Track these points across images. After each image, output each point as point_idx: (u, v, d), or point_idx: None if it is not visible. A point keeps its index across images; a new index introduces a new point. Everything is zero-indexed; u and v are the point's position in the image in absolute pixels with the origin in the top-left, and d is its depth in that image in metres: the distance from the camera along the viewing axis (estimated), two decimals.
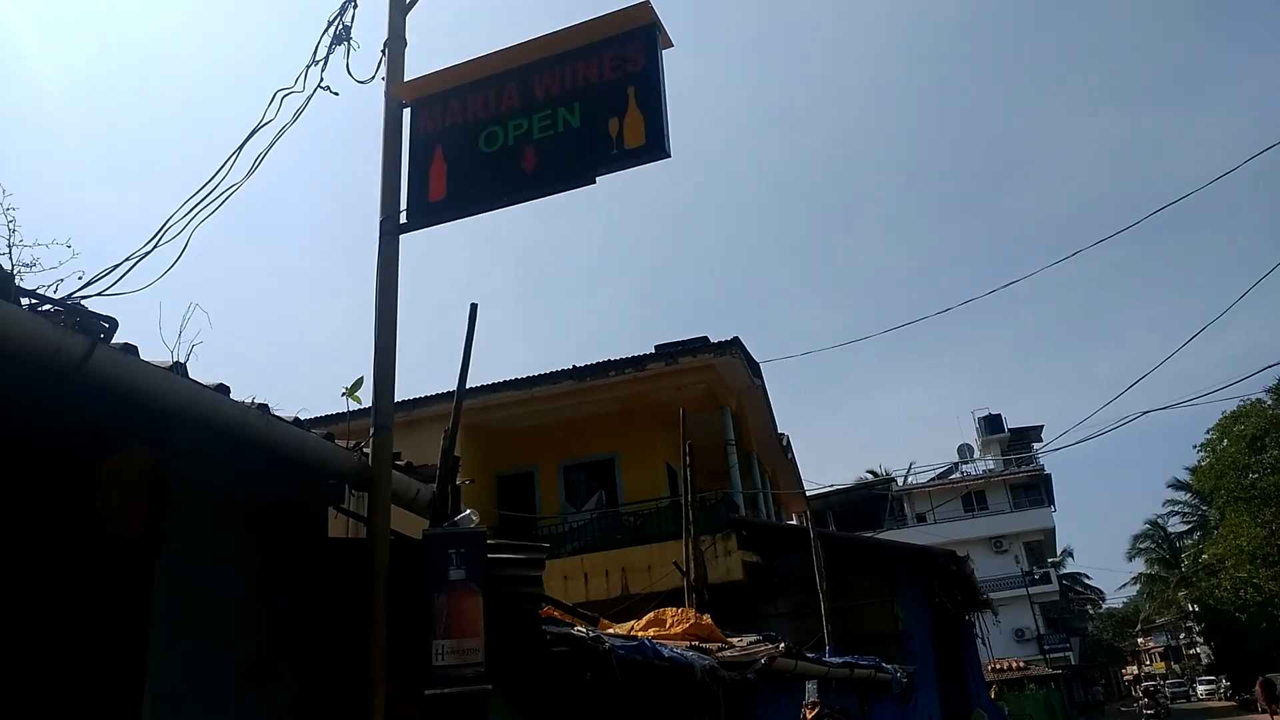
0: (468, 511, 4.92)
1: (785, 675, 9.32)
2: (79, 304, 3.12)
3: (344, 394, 4.90)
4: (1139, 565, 54.88)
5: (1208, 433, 42.65)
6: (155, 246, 4.76)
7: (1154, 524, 53.53)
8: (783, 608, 16.31)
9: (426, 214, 4.97)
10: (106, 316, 3.20)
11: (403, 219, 5.02)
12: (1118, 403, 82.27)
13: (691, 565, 11.63)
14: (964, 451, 53.79)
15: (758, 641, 9.67)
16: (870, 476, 55.01)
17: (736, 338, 18.49)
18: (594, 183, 4.70)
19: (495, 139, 4.91)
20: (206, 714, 3.74)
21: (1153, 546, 53.66)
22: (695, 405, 17.50)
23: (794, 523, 26.45)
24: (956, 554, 15.69)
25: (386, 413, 4.69)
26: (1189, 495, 49.72)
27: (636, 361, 18.88)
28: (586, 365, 19.07)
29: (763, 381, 20.98)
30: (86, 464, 3.70)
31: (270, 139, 5.15)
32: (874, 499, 47.41)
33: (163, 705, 3.48)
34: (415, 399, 17.24)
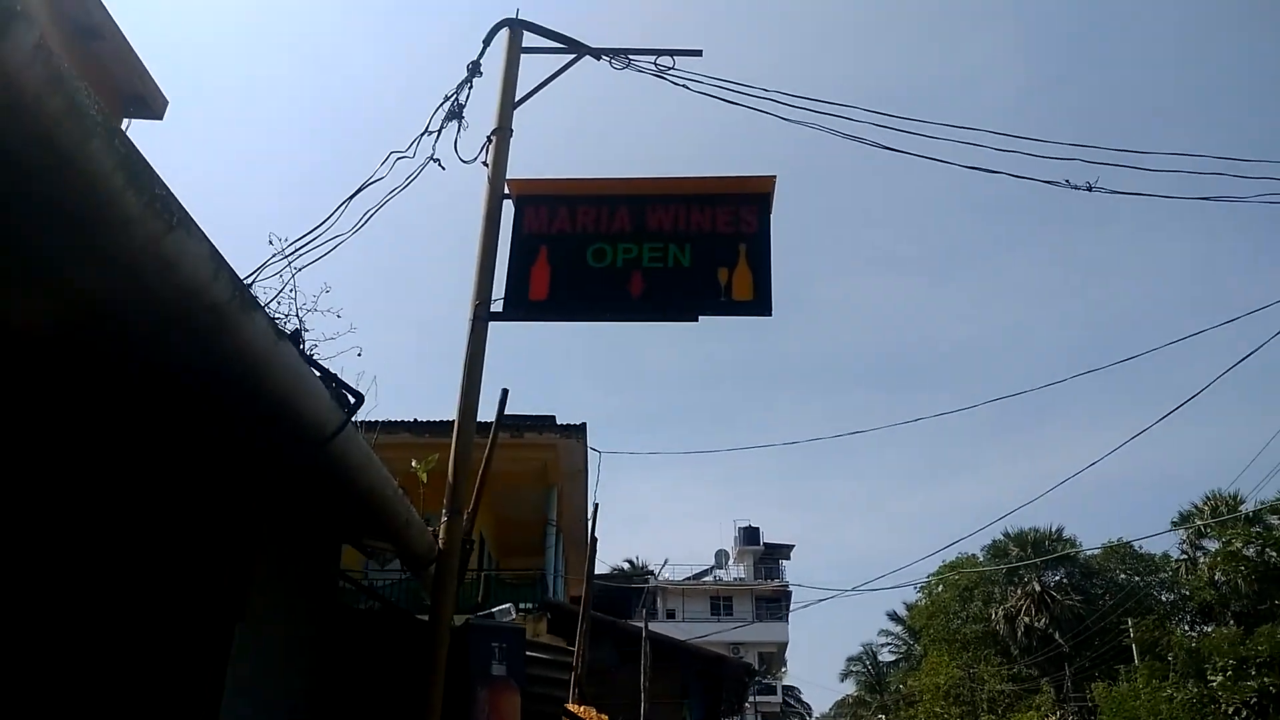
0: (507, 605, 5.05)
1: None
2: (334, 373, 3.12)
3: (414, 468, 4.90)
4: (850, 686, 59.61)
5: (929, 576, 47.72)
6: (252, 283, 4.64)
7: (867, 649, 58.66)
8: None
9: (525, 310, 5.18)
10: (355, 390, 3.24)
11: (494, 306, 5.19)
12: (860, 531, 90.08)
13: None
14: (720, 557, 56.66)
15: None
16: (628, 566, 56.42)
17: (584, 423, 18.95)
18: (696, 321, 5.15)
19: (604, 256, 5.24)
20: None
21: (863, 670, 58.63)
22: (524, 480, 17.65)
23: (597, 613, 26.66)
24: (751, 666, 16.68)
25: (462, 498, 4.77)
26: (901, 629, 55.11)
27: (481, 426, 18.76)
28: (427, 421, 18.70)
29: (587, 469, 21.52)
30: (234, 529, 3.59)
31: (380, 197, 5.19)
32: (630, 590, 48.63)
33: None
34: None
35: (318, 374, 2.99)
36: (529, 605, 17.52)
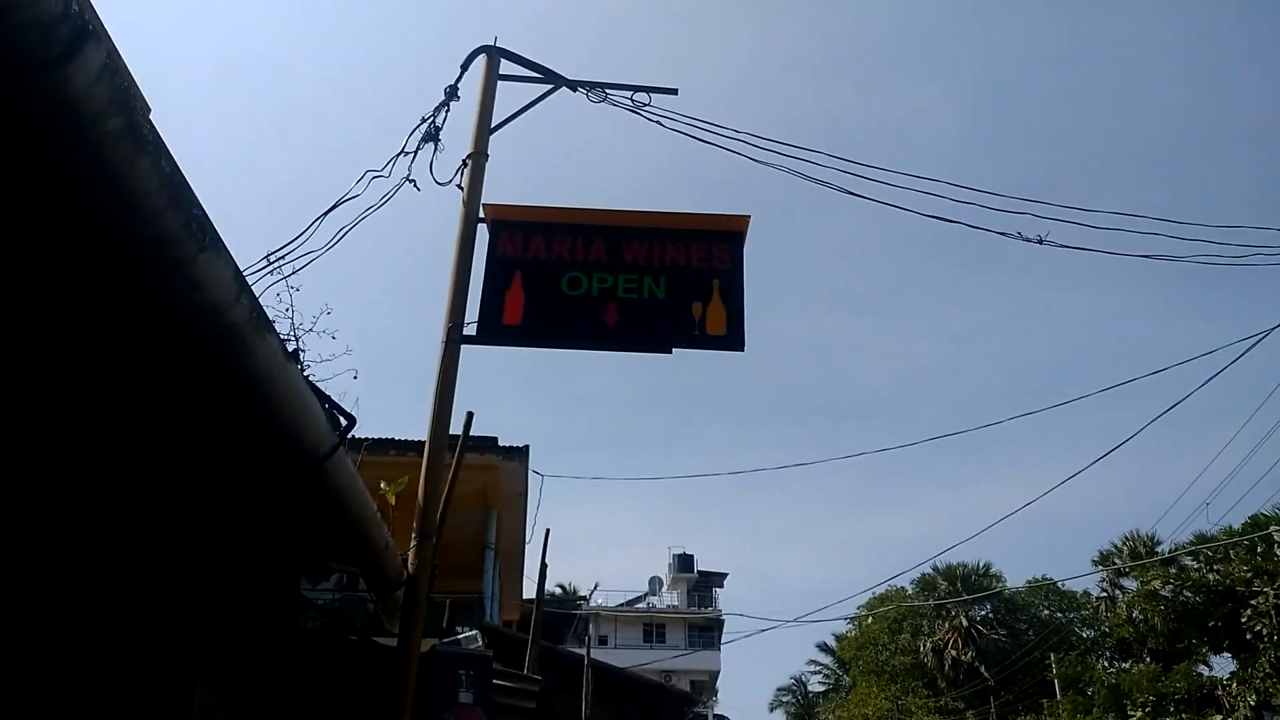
0: (474, 632, 5.01)
1: None
2: (327, 394, 3.08)
3: (384, 490, 4.84)
4: (779, 717, 59.80)
5: (859, 608, 48.31)
6: None
7: (797, 680, 58.98)
8: None
9: (498, 333, 5.18)
10: (347, 412, 3.21)
11: (467, 329, 5.19)
12: (792, 560, 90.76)
13: None
14: (654, 584, 56.51)
15: None
16: (560, 591, 55.93)
17: (526, 446, 18.80)
18: (670, 353, 5.21)
19: (579, 284, 5.28)
20: None
21: (793, 700, 58.90)
22: (463, 502, 17.38)
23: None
24: (691, 695, 16.66)
25: (433, 521, 4.73)
26: (831, 659, 55.59)
27: (420, 446, 18.49)
28: (366, 438, 18.35)
29: (527, 492, 21.34)
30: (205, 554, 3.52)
31: (355, 215, 5.15)
32: (562, 615, 48.19)
33: None
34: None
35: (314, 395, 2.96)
36: (467, 630, 17.26)
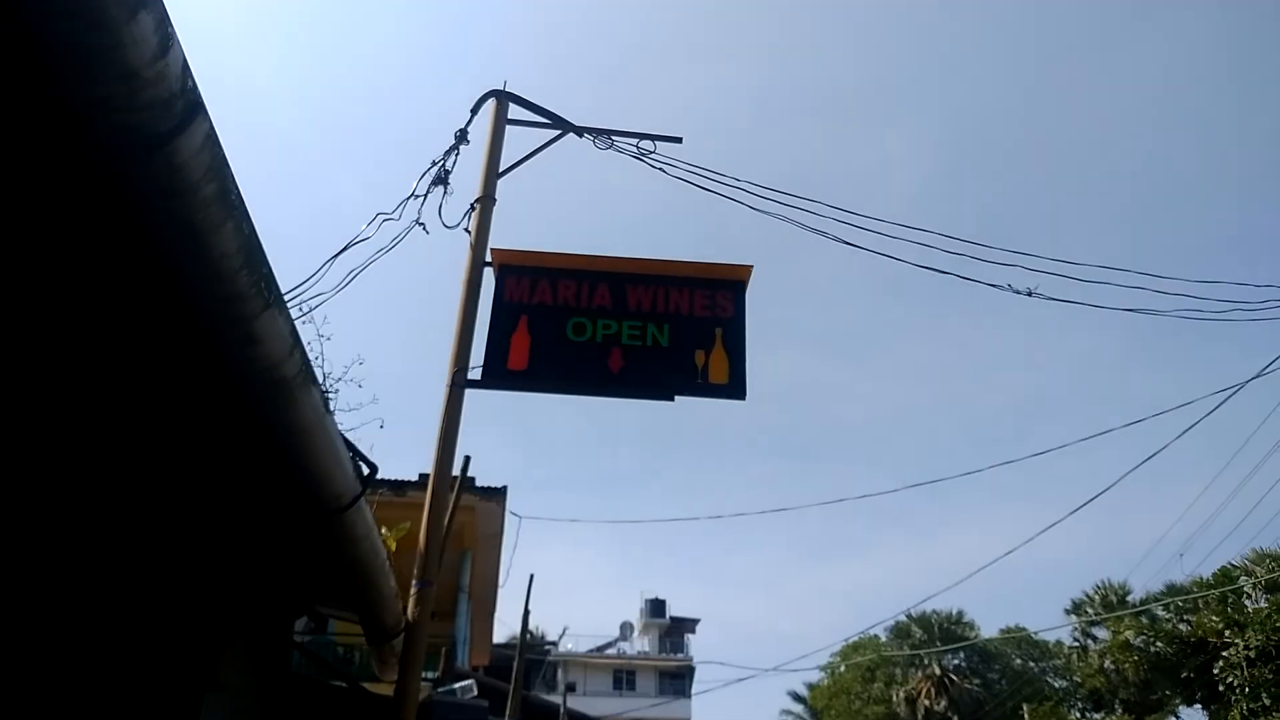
0: (469, 682, 4.93)
1: None
2: (353, 443, 3.06)
3: (385, 535, 4.78)
4: None
5: (832, 655, 48.03)
6: None
7: None
8: None
9: (503, 378, 5.18)
10: (370, 461, 3.20)
11: (472, 373, 5.18)
12: (763, 606, 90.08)
13: None
14: (625, 629, 55.88)
15: None
16: (529, 635, 55.03)
17: (505, 487, 18.66)
18: (673, 400, 5.23)
19: (584, 330, 5.31)
20: None
21: None
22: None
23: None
24: None
25: (434, 567, 4.68)
26: (803, 708, 55.02)
27: (397, 485, 18.29)
28: (390, 480, 18.11)
29: (503, 534, 21.11)
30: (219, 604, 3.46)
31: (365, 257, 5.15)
32: (530, 661, 47.38)
33: None
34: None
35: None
36: (435, 675, 16.91)
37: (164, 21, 1.41)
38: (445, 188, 5.63)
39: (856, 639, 46.37)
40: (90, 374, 2.26)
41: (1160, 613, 28.50)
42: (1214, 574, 22.10)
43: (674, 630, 56.34)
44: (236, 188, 1.68)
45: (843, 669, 48.03)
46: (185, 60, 1.53)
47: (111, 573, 3.10)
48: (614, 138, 6.11)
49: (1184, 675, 22.05)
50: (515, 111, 6.11)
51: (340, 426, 3.13)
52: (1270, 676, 18.91)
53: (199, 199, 1.60)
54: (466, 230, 5.63)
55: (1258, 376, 10.93)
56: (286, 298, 4.74)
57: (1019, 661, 44.12)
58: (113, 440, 2.61)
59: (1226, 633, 20.33)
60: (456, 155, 5.75)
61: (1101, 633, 33.64)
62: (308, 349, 3.86)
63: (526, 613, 12.41)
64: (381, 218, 5.27)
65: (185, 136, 1.51)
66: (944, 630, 43.29)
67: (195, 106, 1.53)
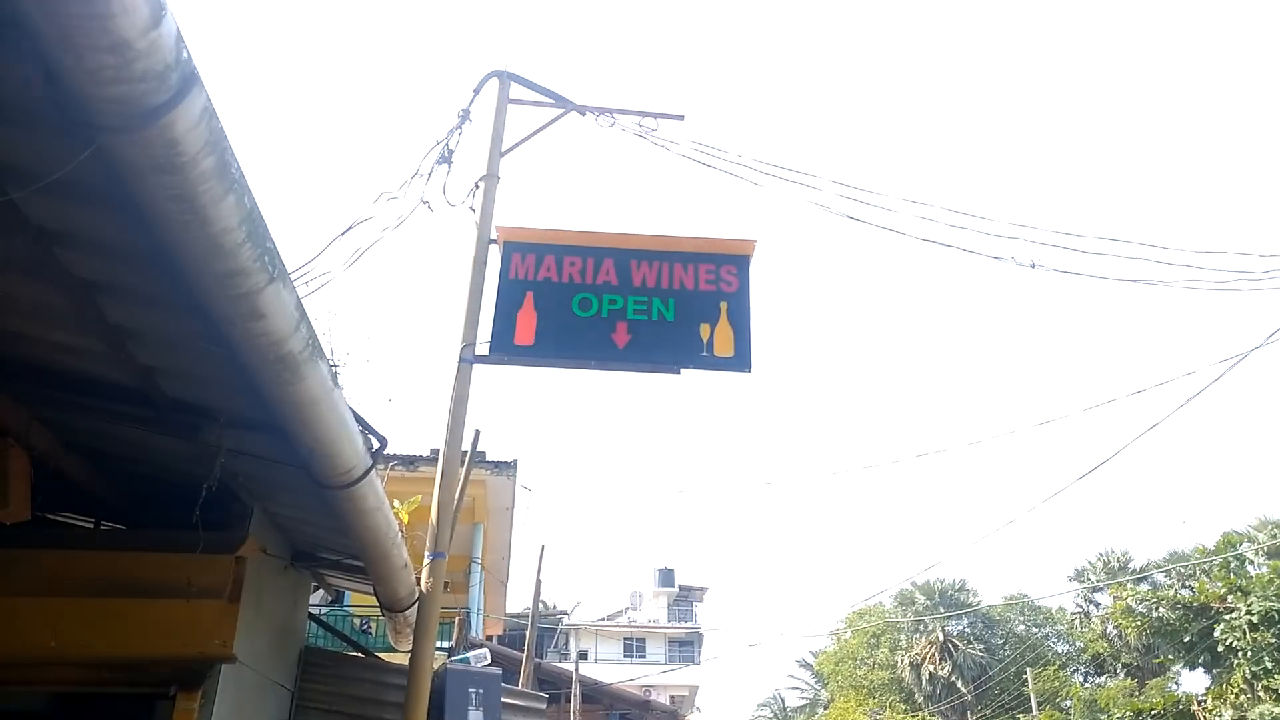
0: (484, 650, 5.06)
1: None
2: (362, 416, 3.15)
3: (397, 509, 4.89)
4: None
5: (838, 623, 48.47)
6: None
7: (776, 695, 59.00)
8: None
9: (510, 354, 5.26)
10: (379, 434, 3.28)
11: (479, 349, 5.26)
12: (768, 577, 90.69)
13: None
14: (635, 598, 56.37)
15: None
16: (541, 606, 55.61)
17: (516, 460, 18.79)
18: (679, 373, 5.31)
19: (589, 305, 5.38)
20: None
21: (771, 715, 58.88)
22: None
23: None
24: (676, 711, 16.70)
25: (446, 539, 4.79)
26: (809, 674, 55.63)
27: (409, 460, 18.46)
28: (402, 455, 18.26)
29: (514, 507, 21.29)
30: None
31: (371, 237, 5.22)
32: (543, 629, 47.93)
33: None
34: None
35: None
36: (450, 645, 17.18)
37: None
38: (449, 166, 5.68)
39: (862, 606, 46.77)
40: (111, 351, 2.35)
41: (1162, 579, 28.72)
42: (1216, 542, 22.22)
43: (683, 599, 56.82)
44: (237, 161, 1.73)
45: (849, 635, 48.50)
46: (179, 31, 1.53)
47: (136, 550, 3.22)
48: (616, 115, 6.15)
49: (1186, 640, 22.22)
50: (518, 91, 6.14)
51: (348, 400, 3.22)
52: (1273, 640, 19.08)
53: (197, 173, 1.64)
54: (471, 208, 5.69)
55: (1261, 346, 10.95)
56: (293, 276, 4.82)
57: (1022, 627, 44.48)
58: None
59: (1229, 597, 20.49)
60: (460, 134, 5.80)
61: (1104, 598, 33.95)
62: (314, 324, 3.95)
63: (539, 583, 12.60)
64: (386, 197, 5.33)
65: (181, 109, 1.54)
66: (947, 598, 43.64)
67: (190, 78, 1.54)
